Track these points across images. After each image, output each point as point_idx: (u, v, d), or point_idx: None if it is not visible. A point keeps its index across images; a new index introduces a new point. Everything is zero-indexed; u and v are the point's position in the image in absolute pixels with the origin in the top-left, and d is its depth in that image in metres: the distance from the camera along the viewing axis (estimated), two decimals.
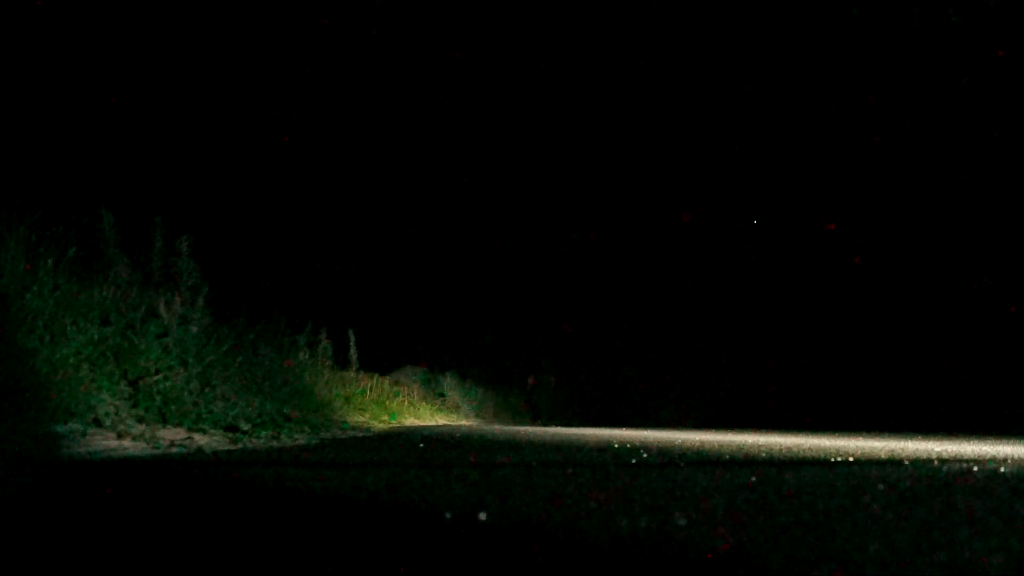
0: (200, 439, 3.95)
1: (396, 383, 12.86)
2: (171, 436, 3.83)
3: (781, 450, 4.25)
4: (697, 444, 5.03)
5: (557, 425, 13.11)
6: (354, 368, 10.50)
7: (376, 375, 11.34)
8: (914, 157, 16.56)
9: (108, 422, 3.61)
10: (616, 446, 4.54)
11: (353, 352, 10.56)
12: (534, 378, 22.34)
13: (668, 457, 3.56)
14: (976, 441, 6.10)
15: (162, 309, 4.85)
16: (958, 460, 3.53)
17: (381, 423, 8.90)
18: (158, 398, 4.24)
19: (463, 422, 14.08)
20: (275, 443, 4.28)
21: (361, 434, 6.26)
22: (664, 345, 19.71)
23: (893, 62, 16.28)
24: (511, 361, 18.81)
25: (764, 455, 3.77)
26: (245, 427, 4.56)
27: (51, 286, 4.06)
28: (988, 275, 15.11)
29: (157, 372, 4.40)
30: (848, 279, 17.43)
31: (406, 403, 11.99)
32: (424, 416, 12.45)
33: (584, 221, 19.59)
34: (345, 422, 7.49)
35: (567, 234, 19.49)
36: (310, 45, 14.67)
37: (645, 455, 3.65)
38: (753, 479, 2.49)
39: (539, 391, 21.77)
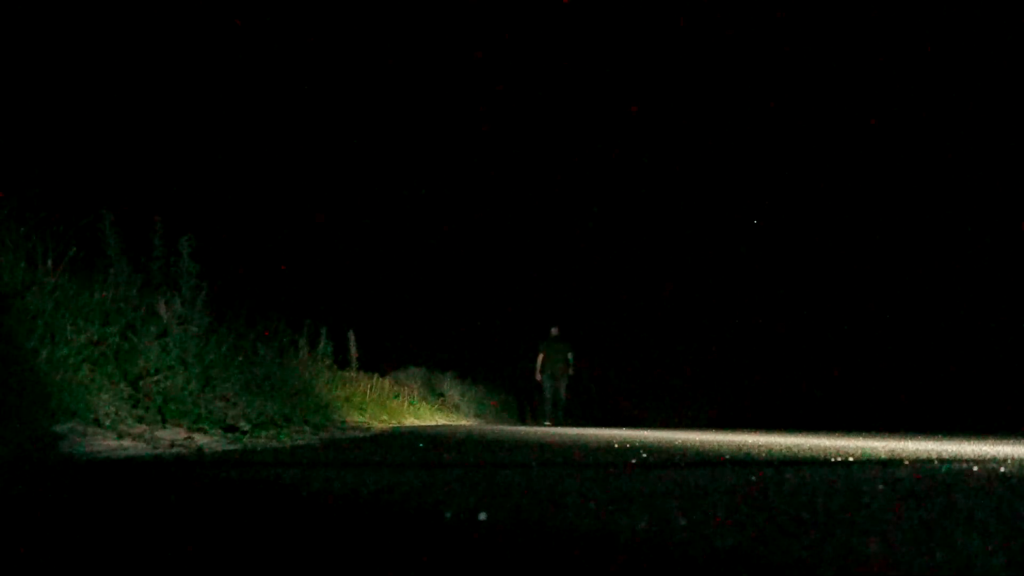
0: (200, 439, 3.95)
1: (396, 383, 12.86)
2: (171, 436, 3.83)
3: (781, 450, 4.25)
4: (697, 444, 5.03)
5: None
6: (354, 368, 10.50)
7: (376, 375, 11.34)
8: (912, 157, 16.56)
9: (108, 422, 3.61)
10: (616, 446, 4.54)
11: (353, 352, 10.56)
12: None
13: (668, 457, 3.56)
14: (976, 441, 6.10)
15: (162, 309, 4.85)
16: (958, 460, 3.53)
17: (381, 423, 8.90)
18: (158, 398, 4.24)
19: (463, 422, 14.08)
20: (275, 443, 4.28)
21: (361, 434, 6.26)
22: (664, 346, 19.71)
23: (893, 62, 16.27)
24: (511, 361, 18.58)
25: (764, 455, 3.77)
26: (245, 427, 4.56)
27: (51, 286, 4.06)
28: (988, 275, 15.11)
29: (157, 372, 4.40)
30: (848, 279, 17.43)
31: (406, 403, 11.99)
32: (424, 416, 12.46)
33: (586, 224, 19.60)
34: (345, 422, 7.49)
35: (568, 236, 19.50)
36: (310, 47, 14.66)
37: (645, 455, 3.65)
38: (753, 479, 2.49)
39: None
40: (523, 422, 17.95)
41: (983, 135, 15.56)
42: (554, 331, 14.41)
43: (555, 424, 13.56)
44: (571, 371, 14.18)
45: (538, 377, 14.39)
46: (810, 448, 4.51)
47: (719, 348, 19.17)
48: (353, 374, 10.30)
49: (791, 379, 17.46)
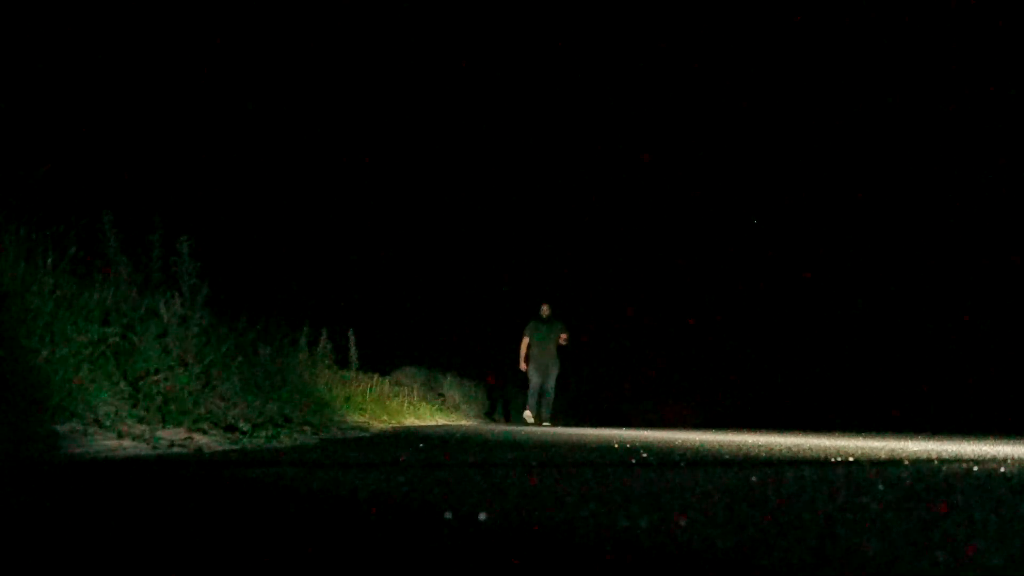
0: (200, 439, 3.95)
1: (396, 383, 12.85)
2: (171, 436, 3.83)
3: (781, 450, 4.25)
4: (697, 444, 5.03)
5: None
6: (354, 368, 10.49)
7: (376, 375, 11.33)
8: (912, 155, 16.57)
9: (108, 422, 3.61)
10: (616, 446, 4.54)
11: (353, 352, 10.55)
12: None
13: (668, 457, 3.56)
14: (976, 441, 6.10)
15: (162, 309, 4.85)
16: (958, 460, 3.53)
17: (381, 423, 8.90)
18: (158, 398, 4.24)
19: (463, 422, 14.07)
20: (275, 443, 4.28)
21: (361, 434, 6.26)
22: (663, 345, 19.71)
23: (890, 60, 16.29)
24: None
25: (764, 455, 3.77)
26: (245, 427, 4.56)
27: (51, 286, 4.06)
28: (988, 275, 15.12)
29: (157, 372, 4.40)
30: (848, 279, 17.44)
31: (406, 403, 11.98)
32: (424, 416, 12.45)
33: (585, 222, 19.61)
34: (345, 422, 7.49)
35: (568, 235, 19.50)
36: (310, 47, 14.68)
37: (645, 455, 3.65)
38: (753, 479, 2.49)
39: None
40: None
41: (983, 134, 15.57)
42: (544, 310, 12.10)
43: (540, 423, 11.93)
44: (563, 338, 11.94)
45: (523, 366, 12.18)
46: (810, 448, 4.51)
47: (719, 347, 19.17)
48: (353, 374, 10.30)
49: (791, 379, 17.46)
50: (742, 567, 1.20)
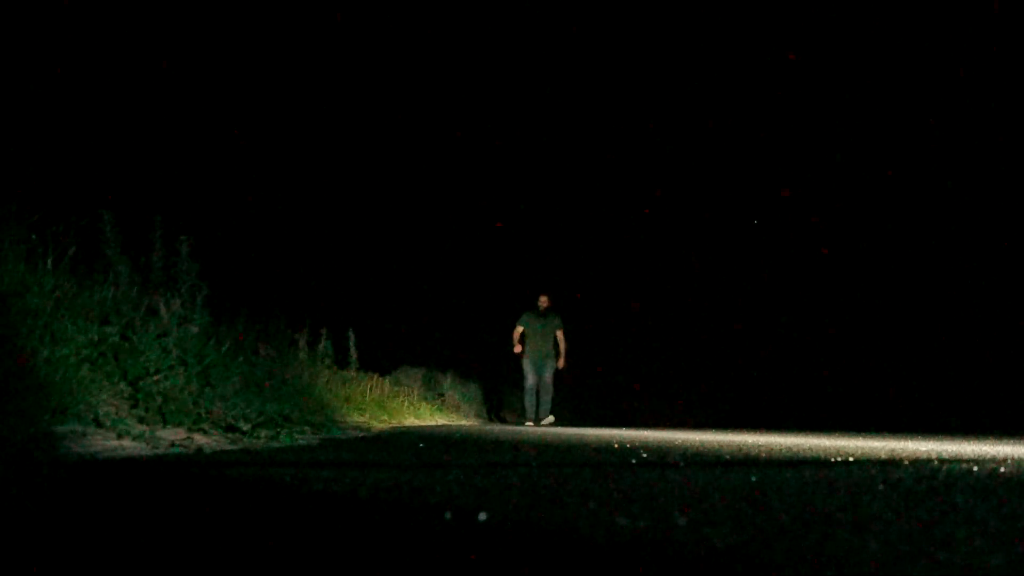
0: (200, 439, 3.95)
1: (396, 383, 12.85)
2: (171, 436, 3.83)
3: (781, 450, 4.25)
4: (697, 444, 5.03)
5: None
6: (354, 368, 10.51)
7: (376, 375, 11.33)
8: (911, 155, 16.58)
9: (108, 422, 3.61)
10: (616, 446, 4.54)
11: (353, 352, 10.57)
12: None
13: (668, 457, 3.56)
14: (976, 441, 6.10)
15: (162, 309, 4.86)
16: (958, 460, 3.53)
17: (381, 423, 8.90)
18: (158, 398, 4.24)
19: (463, 422, 14.06)
20: (275, 443, 4.28)
21: (361, 434, 6.26)
22: (663, 345, 19.72)
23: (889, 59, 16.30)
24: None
25: (764, 455, 3.77)
26: (245, 427, 4.56)
27: (51, 286, 4.06)
28: (987, 275, 15.13)
29: (157, 372, 4.40)
30: (848, 279, 17.45)
31: (406, 403, 11.98)
32: (424, 416, 12.45)
33: (585, 221, 19.62)
34: (345, 422, 7.49)
35: (568, 234, 19.51)
36: (310, 47, 14.69)
37: (645, 455, 3.65)
38: (753, 479, 2.49)
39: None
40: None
41: (983, 134, 15.58)
42: (542, 301, 11.63)
43: (538, 423, 11.45)
44: (560, 362, 11.57)
45: (517, 348, 11.67)
46: (810, 448, 4.51)
47: (719, 347, 19.17)
48: (353, 374, 10.31)
49: (790, 379, 17.46)
50: (742, 567, 1.20)
